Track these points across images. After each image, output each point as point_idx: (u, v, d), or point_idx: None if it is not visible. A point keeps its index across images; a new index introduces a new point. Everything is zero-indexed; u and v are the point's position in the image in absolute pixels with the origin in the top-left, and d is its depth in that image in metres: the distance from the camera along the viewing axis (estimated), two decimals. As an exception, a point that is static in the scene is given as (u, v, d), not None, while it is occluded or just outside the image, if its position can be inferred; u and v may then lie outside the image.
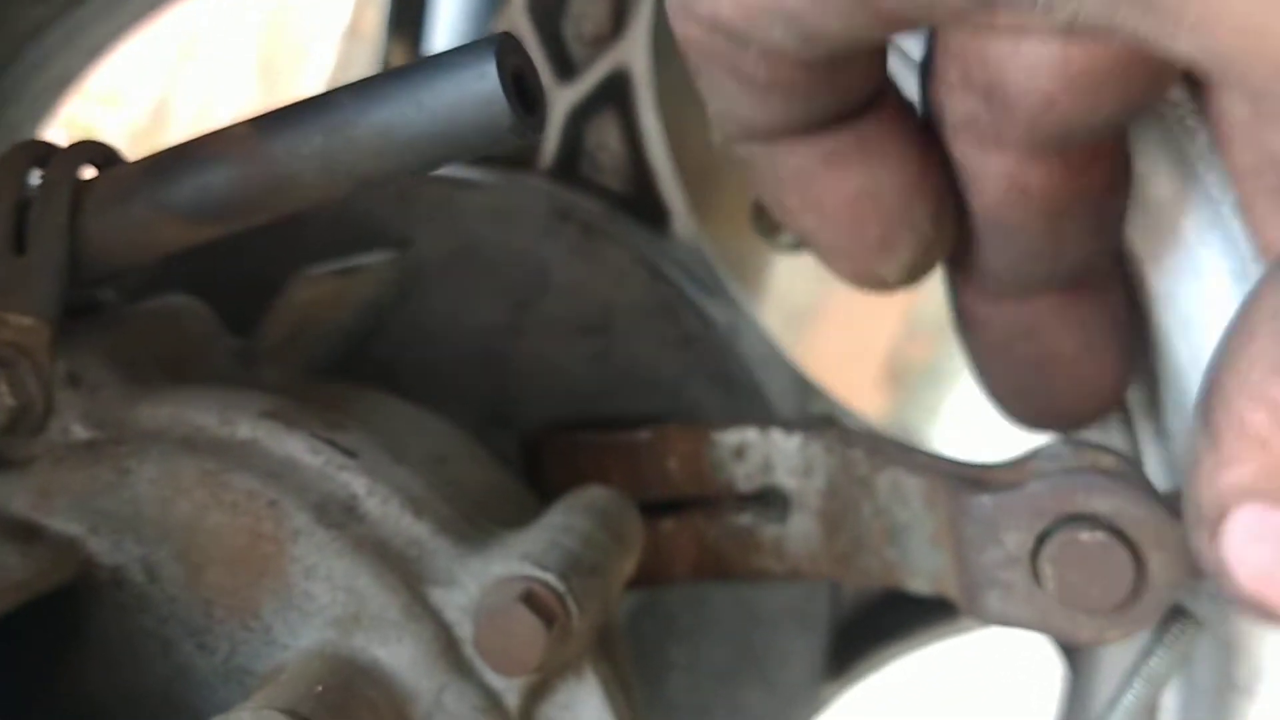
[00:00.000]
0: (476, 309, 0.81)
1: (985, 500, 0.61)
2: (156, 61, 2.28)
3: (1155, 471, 0.66)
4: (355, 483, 0.57)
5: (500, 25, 0.87)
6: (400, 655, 0.54)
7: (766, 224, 0.86)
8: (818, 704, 0.86)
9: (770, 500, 0.73)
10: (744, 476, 0.73)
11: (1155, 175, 0.61)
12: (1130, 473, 0.60)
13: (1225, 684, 0.65)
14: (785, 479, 0.71)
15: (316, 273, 0.70)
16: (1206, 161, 0.59)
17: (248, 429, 0.58)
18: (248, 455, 0.58)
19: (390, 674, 0.54)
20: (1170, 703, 0.68)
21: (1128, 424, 0.67)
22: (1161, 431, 0.67)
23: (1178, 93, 0.57)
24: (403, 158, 0.54)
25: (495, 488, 0.68)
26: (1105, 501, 0.58)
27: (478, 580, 0.56)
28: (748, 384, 0.82)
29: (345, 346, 0.76)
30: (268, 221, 0.58)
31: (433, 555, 0.57)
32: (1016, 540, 0.60)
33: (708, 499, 0.73)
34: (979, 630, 0.88)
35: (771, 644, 0.84)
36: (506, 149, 0.55)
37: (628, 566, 0.63)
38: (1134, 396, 0.68)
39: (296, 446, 0.58)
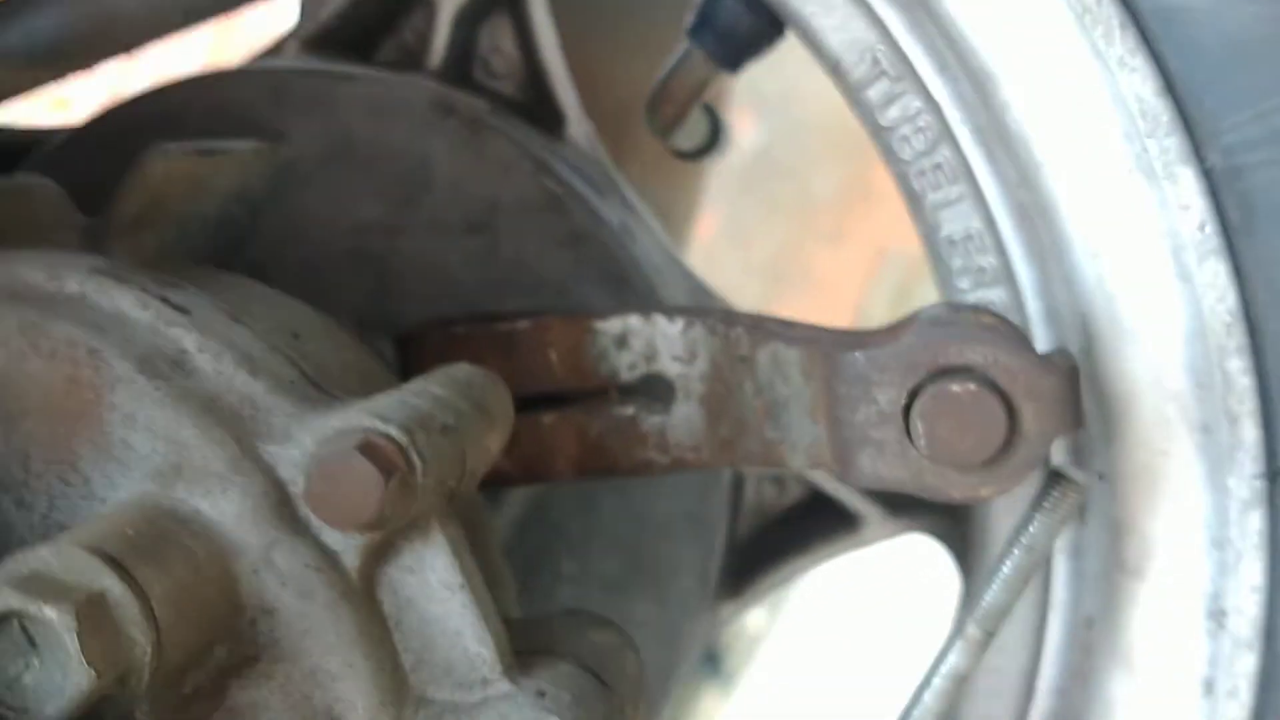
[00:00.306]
0: (355, 207, 0.78)
1: (858, 357, 0.58)
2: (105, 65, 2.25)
3: (1040, 333, 0.63)
4: (185, 338, 0.54)
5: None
6: (224, 509, 0.51)
7: (659, 122, 0.83)
8: (714, 621, 0.83)
9: (653, 390, 0.70)
10: (627, 366, 0.70)
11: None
12: (1005, 326, 0.57)
13: (1114, 566, 0.63)
14: (669, 365, 0.68)
15: (171, 147, 0.67)
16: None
17: (75, 284, 0.55)
18: (74, 308, 0.54)
19: (212, 526, 0.51)
20: (1060, 596, 0.66)
21: (1011, 281, 0.64)
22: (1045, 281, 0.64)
23: None
24: None
25: (356, 369, 0.64)
26: (978, 352, 0.56)
27: (315, 436, 0.53)
28: (640, 285, 0.79)
29: (210, 237, 0.73)
30: (99, 62, 0.55)
31: (267, 413, 0.54)
32: (888, 397, 0.57)
33: (589, 392, 0.70)
34: (879, 545, 0.85)
35: (662, 552, 0.81)
36: None
37: (491, 440, 0.60)
38: (1017, 250, 0.65)
39: (125, 301, 0.55)
